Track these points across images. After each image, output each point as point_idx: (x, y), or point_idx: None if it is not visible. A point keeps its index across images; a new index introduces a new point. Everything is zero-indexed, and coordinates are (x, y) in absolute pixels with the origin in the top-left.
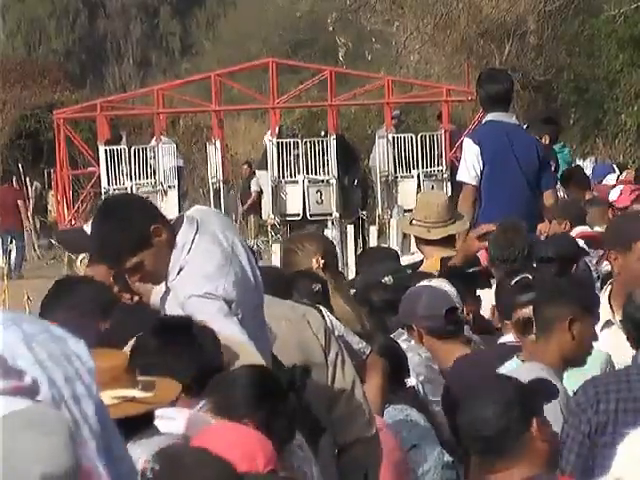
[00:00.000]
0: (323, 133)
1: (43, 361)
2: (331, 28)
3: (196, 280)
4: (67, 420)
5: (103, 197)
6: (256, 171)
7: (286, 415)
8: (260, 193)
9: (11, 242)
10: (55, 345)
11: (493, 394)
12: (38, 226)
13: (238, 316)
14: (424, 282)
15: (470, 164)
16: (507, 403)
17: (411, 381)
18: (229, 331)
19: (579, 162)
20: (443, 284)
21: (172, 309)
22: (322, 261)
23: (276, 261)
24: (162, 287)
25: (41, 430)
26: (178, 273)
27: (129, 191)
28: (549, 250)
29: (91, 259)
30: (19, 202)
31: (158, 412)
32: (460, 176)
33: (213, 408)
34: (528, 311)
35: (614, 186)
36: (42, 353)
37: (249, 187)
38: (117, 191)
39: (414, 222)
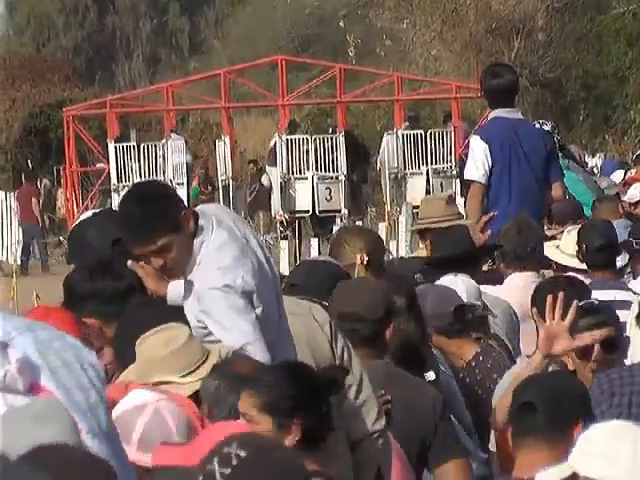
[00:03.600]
0: (331, 130)
1: (56, 368)
2: (341, 24)
3: (213, 273)
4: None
5: (112, 194)
6: (266, 167)
7: (321, 414)
8: (270, 189)
9: (33, 238)
10: (69, 352)
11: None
12: (47, 223)
13: (259, 308)
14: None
15: (479, 162)
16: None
17: (430, 376)
18: (237, 328)
19: (588, 159)
20: (455, 281)
21: (190, 302)
22: (366, 258)
23: (284, 257)
24: (181, 282)
25: (43, 421)
26: (198, 266)
27: None
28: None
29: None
30: (33, 200)
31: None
32: (468, 174)
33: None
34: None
35: (625, 184)
36: (56, 360)
37: (257, 184)
38: (127, 188)
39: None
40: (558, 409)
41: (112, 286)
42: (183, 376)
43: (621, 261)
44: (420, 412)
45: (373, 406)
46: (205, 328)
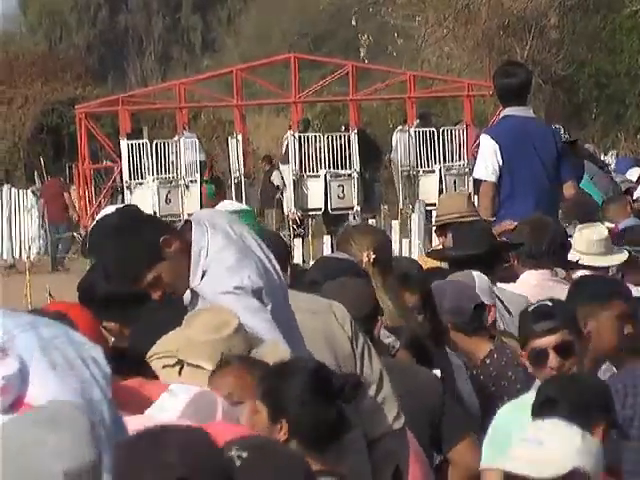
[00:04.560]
0: (343, 128)
1: (57, 366)
2: (353, 22)
3: (221, 277)
4: (86, 414)
5: (124, 191)
6: (279, 165)
7: (330, 416)
8: (282, 187)
9: (58, 233)
10: (71, 349)
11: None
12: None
13: (268, 306)
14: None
15: (489, 161)
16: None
17: (437, 373)
18: (256, 329)
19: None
20: (469, 276)
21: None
22: (373, 256)
23: (298, 256)
24: (188, 294)
25: (61, 426)
26: (202, 278)
27: (150, 185)
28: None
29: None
30: (65, 195)
31: (172, 386)
32: (477, 173)
33: (262, 397)
34: (544, 341)
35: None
36: (58, 358)
37: (269, 181)
38: (139, 185)
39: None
40: (580, 407)
41: (129, 288)
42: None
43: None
44: (423, 397)
45: (392, 405)
46: None
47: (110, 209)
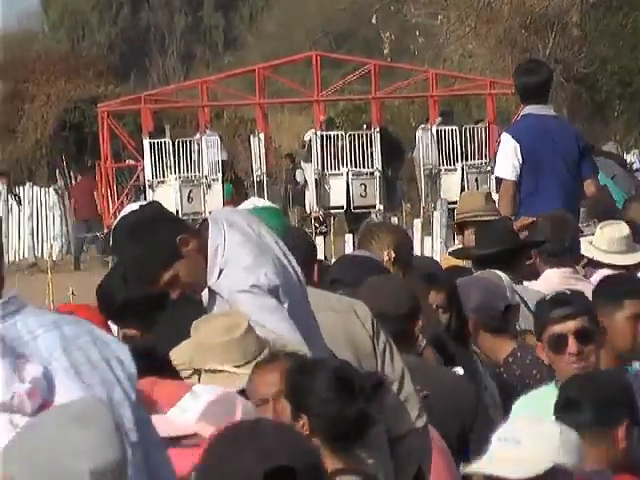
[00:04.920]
0: (365, 126)
1: (79, 366)
2: (374, 21)
3: (238, 275)
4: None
5: (147, 190)
6: (301, 163)
7: (352, 414)
8: (304, 185)
9: (88, 232)
10: (95, 349)
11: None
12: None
13: (285, 304)
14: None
15: (509, 159)
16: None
17: (458, 370)
18: (274, 327)
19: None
20: (498, 275)
21: (221, 310)
22: (393, 255)
23: (320, 254)
24: (206, 293)
25: (87, 423)
26: (219, 276)
27: (173, 184)
28: None
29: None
30: (95, 194)
31: (195, 387)
32: (498, 172)
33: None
34: (564, 327)
35: None
36: (80, 357)
37: (293, 179)
38: (161, 184)
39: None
40: (603, 406)
41: (149, 293)
42: (237, 367)
43: None
44: (457, 402)
45: (415, 403)
46: None
47: (133, 206)
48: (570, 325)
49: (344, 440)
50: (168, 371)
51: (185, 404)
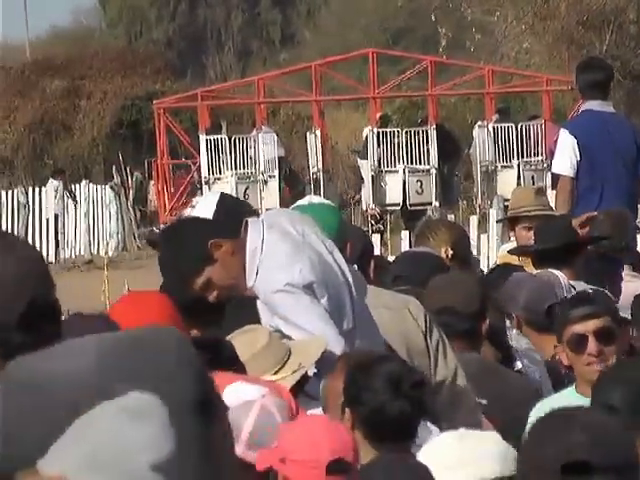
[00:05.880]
0: (419, 121)
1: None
2: (433, 18)
3: (272, 274)
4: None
5: (203, 186)
6: (358, 160)
7: (397, 410)
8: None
9: None
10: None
11: None
12: (138, 216)
13: (323, 299)
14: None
15: (567, 155)
16: None
17: (518, 365)
18: (307, 324)
19: None
20: (555, 275)
21: (262, 311)
22: (450, 252)
23: (376, 251)
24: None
25: (141, 415)
26: (257, 275)
27: (229, 180)
28: None
29: None
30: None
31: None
32: (556, 167)
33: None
34: (584, 327)
35: None
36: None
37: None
38: (217, 180)
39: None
40: None
41: (183, 294)
42: (274, 374)
43: None
44: (518, 404)
45: (467, 399)
46: (281, 332)
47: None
48: (590, 325)
49: (386, 436)
50: (234, 366)
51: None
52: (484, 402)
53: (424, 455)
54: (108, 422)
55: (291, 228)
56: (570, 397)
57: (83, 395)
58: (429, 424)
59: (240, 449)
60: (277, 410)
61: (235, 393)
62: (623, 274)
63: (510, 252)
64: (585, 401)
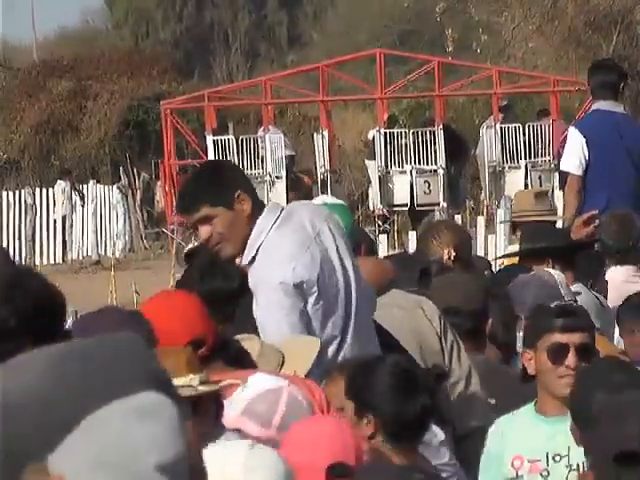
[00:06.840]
0: (425, 122)
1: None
2: (438, 19)
3: (268, 267)
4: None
5: None
6: (365, 161)
7: (415, 410)
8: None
9: None
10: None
11: None
12: (145, 217)
13: (312, 297)
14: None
15: (575, 154)
16: None
17: (518, 365)
18: (276, 325)
19: None
20: (549, 273)
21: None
22: (453, 253)
23: (383, 251)
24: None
25: (149, 416)
26: (253, 260)
27: None
28: None
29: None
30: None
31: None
32: (564, 166)
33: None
34: (569, 338)
35: None
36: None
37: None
38: None
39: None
40: None
41: (224, 287)
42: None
43: None
44: (524, 403)
45: (481, 401)
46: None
47: None
48: (574, 337)
49: (409, 436)
50: (245, 362)
51: (235, 397)
52: (493, 402)
53: None
54: (117, 422)
55: (307, 223)
56: (528, 415)
57: (36, 410)
58: (434, 427)
59: (272, 432)
60: (303, 399)
61: (261, 382)
62: (630, 274)
63: (502, 257)
64: (545, 421)
